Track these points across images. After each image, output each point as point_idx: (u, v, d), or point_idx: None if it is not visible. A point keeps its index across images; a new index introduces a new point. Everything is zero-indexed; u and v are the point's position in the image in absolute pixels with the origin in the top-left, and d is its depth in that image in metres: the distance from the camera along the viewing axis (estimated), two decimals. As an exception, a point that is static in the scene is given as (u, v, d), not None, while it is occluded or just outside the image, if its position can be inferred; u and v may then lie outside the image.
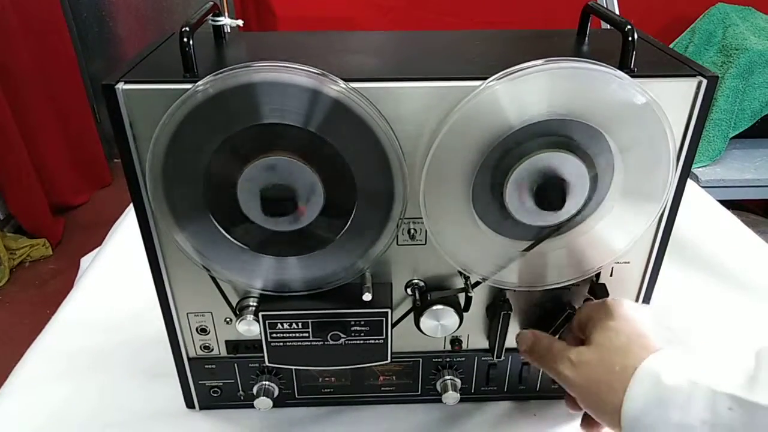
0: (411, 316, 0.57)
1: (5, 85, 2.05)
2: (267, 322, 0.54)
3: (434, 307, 0.55)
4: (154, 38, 0.57)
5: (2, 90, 2.01)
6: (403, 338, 0.59)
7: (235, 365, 0.62)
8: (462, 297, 0.56)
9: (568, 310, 0.57)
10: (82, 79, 2.49)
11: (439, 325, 0.55)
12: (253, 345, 0.60)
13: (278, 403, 0.63)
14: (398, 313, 0.57)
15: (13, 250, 2.13)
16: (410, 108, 0.47)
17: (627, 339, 0.47)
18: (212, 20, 0.56)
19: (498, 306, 0.57)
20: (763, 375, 0.41)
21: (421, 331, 0.56)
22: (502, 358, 0.61)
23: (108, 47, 2.61)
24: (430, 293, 0.56)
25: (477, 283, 0.55)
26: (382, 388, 0.66)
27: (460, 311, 0.55)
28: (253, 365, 0.63)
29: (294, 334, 0.55)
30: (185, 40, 0.46)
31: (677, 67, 0.50)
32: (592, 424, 0.54)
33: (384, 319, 0.54)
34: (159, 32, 0.57)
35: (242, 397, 0.65)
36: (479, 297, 0.58)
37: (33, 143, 2.18)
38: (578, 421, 0.55)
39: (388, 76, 0.47)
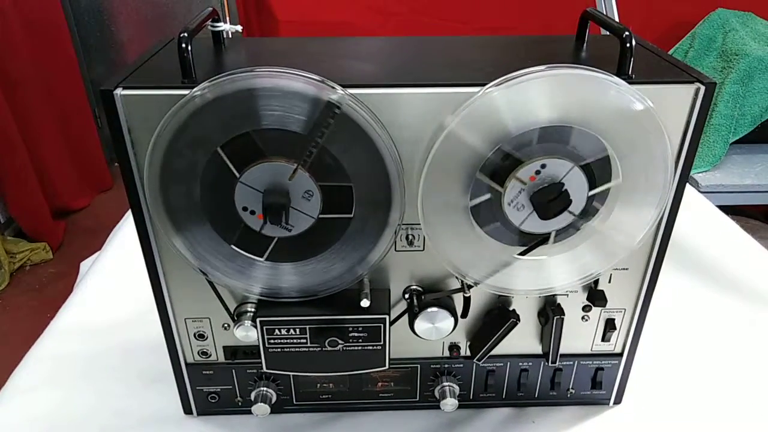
0: (406, 321, 0.57)
1: (7, 89, 2.05)
2: (265, 327, 0.54)
3: (428, 310, 0.54)
4: (155, 43, 0.57)
5: (4, 94, 2.02)
6: (401, 344, 0.59)
7: (233, 371, 0.62)
8: (458, 302, 0.55)
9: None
10: (83, 84, 2.49)
11: (434, 327, 0.55)
12: (251, 351, 0.60)
13: (276, 409, 0.63)
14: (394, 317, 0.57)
15: (13, 254, 2.12)
16: (408, 114, 0.47)
17: None
18: (211, 26, 0.56)
19: (499, 313, 0.57)
20: None
21: (416, 333, 0.56)
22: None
23: (109, 52, 2.61)
24: (425, 295, 0.56)
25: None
26: (381, 395, 0.65)
27: (455, 314, 0.55)
28: (251, 371, 0.62)
29: (292, 340, 0.54)
30: (183, 45, 0.46)
31: (675, 73, 0.50)
32: None
33: (382, 325, 0.54)
34: (161, 37, 0.58)
35: (240, 403, 0.65)
36: (477, 303, 0.58)
37: (34, 147, 2.18)
38: (578, 428, 0.55)
39: (387, 82, 0.47)
